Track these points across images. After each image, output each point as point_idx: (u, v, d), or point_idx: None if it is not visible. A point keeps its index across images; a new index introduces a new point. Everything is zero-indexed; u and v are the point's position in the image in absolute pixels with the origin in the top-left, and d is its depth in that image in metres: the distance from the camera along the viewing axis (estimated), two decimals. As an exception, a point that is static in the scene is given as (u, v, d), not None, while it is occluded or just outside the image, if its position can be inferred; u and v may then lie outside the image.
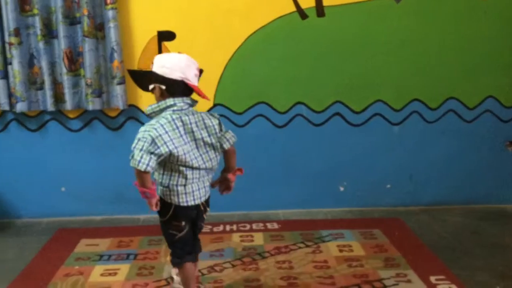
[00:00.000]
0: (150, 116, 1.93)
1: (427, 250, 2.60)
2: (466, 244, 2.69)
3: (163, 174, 1.91)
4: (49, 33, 2.89)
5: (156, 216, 3.19)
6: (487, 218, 3.05)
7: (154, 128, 1.81)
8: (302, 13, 3.00)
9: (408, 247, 2.63)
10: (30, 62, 2.89)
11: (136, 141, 1.83)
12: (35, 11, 2.83)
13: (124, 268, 2.42)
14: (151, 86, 1.92)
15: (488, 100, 3.16)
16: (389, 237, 2.76)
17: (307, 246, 2.66)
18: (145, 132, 1.83)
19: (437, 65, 3.10)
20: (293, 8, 2.98)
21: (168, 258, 2.14)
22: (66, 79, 2.90)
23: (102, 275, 2.37)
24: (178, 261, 2.00)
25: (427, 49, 3.08)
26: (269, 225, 2.97)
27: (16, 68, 2.84)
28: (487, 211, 3.17)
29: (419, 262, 2.46)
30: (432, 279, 2.28)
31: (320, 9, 3.00)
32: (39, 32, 2.84)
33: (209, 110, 3.08)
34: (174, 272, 2.19)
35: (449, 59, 3.10)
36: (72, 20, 2.88)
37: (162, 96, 1.89)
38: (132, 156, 1.82)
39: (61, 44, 2.87)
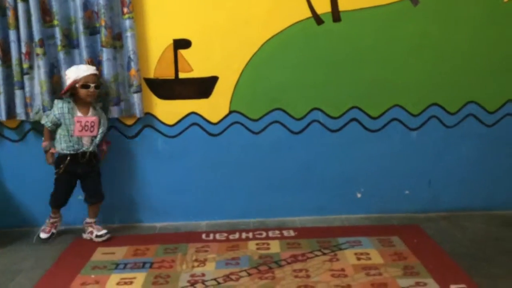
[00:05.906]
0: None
1: (447, 258, 2.55)
2: (488, 251, 2.63)
3: None
4: (69, 44, 2.92)
5: (173, 223, 3.23)
6: (509, 224, 2.98)
7: None
8: (317, 19, 2.98)
9: (427, 255, 2.57)
10: (50, 71, 2.91)
11: None
12: (55, 22, 2.86)
13: (140, 277, 2.42)
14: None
15: (509, 103, 3.10)
16: (408, 244, 2.71)
17: (324, 254, 2.63)
18: None
19: (456, 68, 3.06)
20: (309, 14, 2.97)
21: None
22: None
23: (118, 283, 2.37)
24: None
25: (445, 52, 3.03)
26: (285, 233, 2.94)
27: (42, 78, 2.87)
28: (509, 217, 3.10)
29: (439, 270, 2.41)
30: (453, 287, 2.23)
31: (336, 14, 2.98)
32: (59, 42, 2.88)
33: (225, 117, 3.08)
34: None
35: (468, 62, 3.05)
36: (92, 30, 2.91)
37: None
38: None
39: (83, 54, 2.90)
